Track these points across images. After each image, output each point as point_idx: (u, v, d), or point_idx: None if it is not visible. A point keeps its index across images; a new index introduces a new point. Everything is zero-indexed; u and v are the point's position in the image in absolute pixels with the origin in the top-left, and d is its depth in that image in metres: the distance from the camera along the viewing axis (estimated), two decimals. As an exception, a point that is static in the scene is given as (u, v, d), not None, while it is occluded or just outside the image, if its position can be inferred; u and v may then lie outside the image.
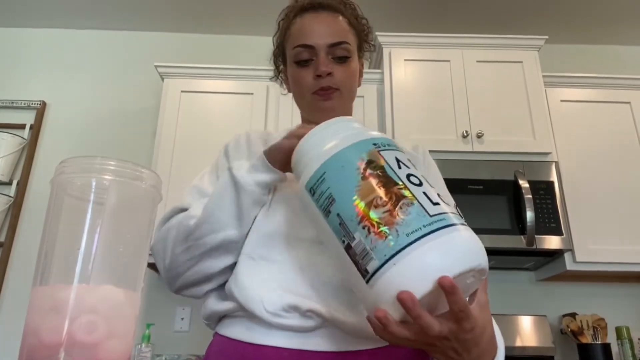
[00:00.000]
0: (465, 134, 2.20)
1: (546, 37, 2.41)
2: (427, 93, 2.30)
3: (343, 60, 0.88)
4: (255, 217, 0.79)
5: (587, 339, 2.13)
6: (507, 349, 0.65)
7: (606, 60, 2.90)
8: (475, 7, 2.67)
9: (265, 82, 2.38)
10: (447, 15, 2.73)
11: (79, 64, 2.82)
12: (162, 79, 2.40)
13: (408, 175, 0.52)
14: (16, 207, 2.48)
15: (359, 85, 0.97)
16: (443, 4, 2.66)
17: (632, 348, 2.13)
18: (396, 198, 0.49)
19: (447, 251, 0.47)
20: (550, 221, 2.08)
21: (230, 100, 2.36)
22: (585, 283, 2.38)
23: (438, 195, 0.53)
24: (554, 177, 2.17)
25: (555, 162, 2.21)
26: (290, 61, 0.91)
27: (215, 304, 0.79)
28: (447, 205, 0.52)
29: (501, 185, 2.14)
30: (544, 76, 2.36)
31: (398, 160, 0.53)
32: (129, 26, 2.87)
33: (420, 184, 0.51)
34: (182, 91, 2.36)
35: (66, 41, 2.87)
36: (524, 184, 2.08)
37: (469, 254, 0.48)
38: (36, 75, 2.79)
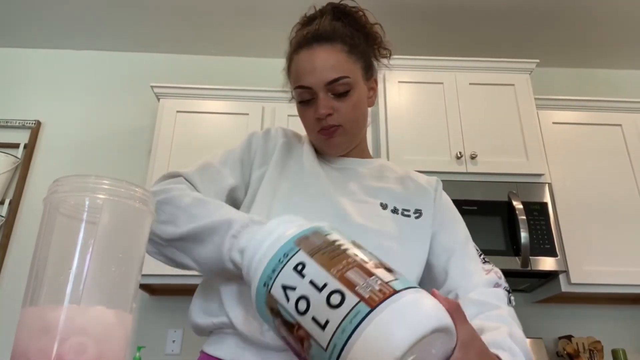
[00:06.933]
0: (459, 155, 2.22)
1: (537, 60, 2.45)
2: (420, 114, 2.32)
3: (345, 94, 0.85)
4: None
5: (583, 362, 2.11)
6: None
7: (597, 83, 2.94)
8: (468, 31, 2.72)
9: (261, 102, 2.39)
10: (441, 38, 2.77)
11: (75, 84, 2.83)
12: (158, 99, 2.41)
13: (296, 303, 0.51)
14: (7, 227, 2.45)
15: (371, 106, 0.94)
16: (436, 28, 2.70)
17: (628, 371, 2.11)
18: (300, 342, 0.50)
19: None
20: (545, 242, 2.08)
21: (226, 120, 2.37)
22: (581, 305, 2.38)
23: (333, 292, 0.48)
24: (547, 199, 2.18)
25: (549, 183, 2.23)
26: (295, 99, 0.90)
27: (201, 318, 0.77)
28: (350, 293, 0.47)
29: (495, 206, 2.14)
30: (536, 99, 2.39)
31: (285, 289, 0.52)
32: (125, 47, 2.89)
33: (307, 308, 0.50)
34: (177, 111, 2.37)
35: (62, 61, 2.89)
36: (517, 205, 2.09)
37: (399, 339, 0.43)
38: (31, 95, 2.79)
